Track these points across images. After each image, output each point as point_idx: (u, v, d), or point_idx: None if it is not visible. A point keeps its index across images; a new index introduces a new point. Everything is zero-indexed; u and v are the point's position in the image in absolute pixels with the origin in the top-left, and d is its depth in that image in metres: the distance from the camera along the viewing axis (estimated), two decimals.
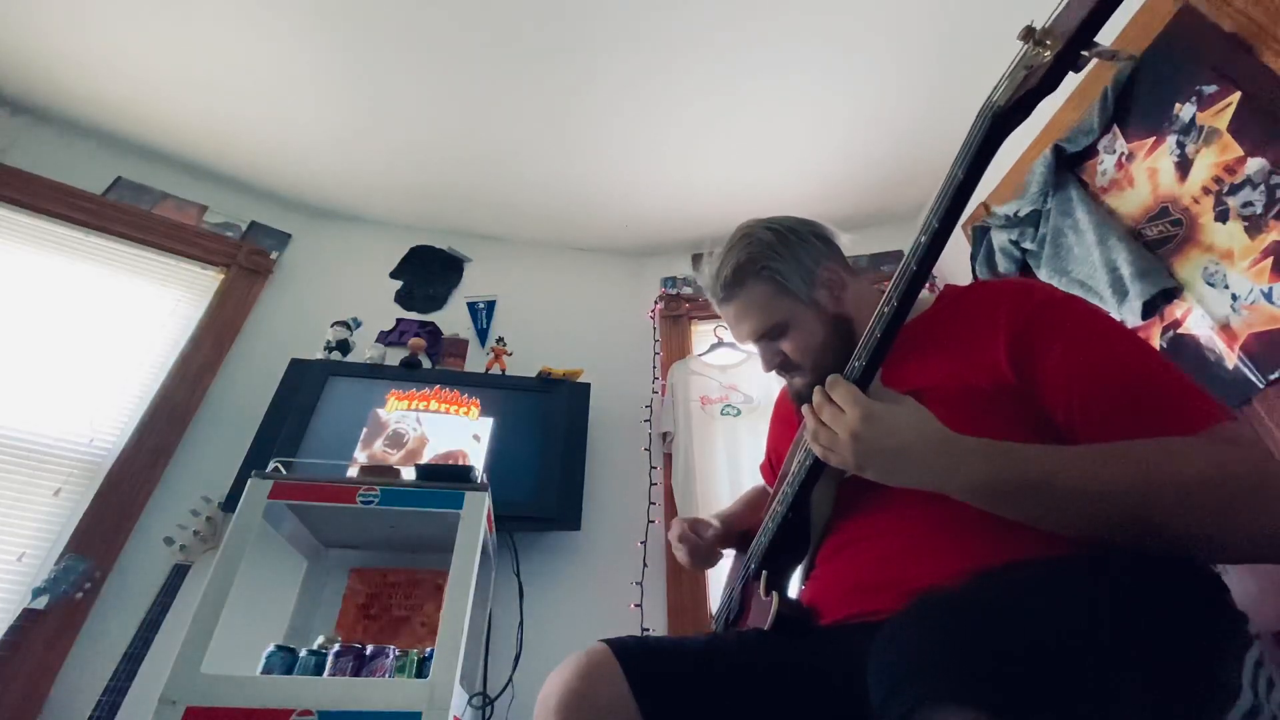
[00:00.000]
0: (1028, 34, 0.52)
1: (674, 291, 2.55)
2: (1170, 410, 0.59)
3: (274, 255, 2.34)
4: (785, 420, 1.04)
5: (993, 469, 0.59)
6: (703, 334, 2.46)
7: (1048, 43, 0.51)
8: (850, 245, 0.92)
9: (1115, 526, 0.55)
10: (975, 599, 0.49)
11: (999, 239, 1.81)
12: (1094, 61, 0.51)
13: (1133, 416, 0.60)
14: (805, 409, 0.71)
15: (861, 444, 0.63)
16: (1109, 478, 0.55)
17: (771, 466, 1.09)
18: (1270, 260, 1.12)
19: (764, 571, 0.85)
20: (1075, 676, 0.40)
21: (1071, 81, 1.62)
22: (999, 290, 0.77)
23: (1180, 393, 0.61)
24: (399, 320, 2.36)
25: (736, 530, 1.05)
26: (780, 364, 0.88)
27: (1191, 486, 0.53)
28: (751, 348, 0.91)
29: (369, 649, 1.36)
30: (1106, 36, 1.60)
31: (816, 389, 0.69)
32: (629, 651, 0.69)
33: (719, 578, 1.04)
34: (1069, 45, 0.49)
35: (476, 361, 2.29)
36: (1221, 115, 1.22)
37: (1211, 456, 0.54)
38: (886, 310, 0.67)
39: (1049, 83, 0.52)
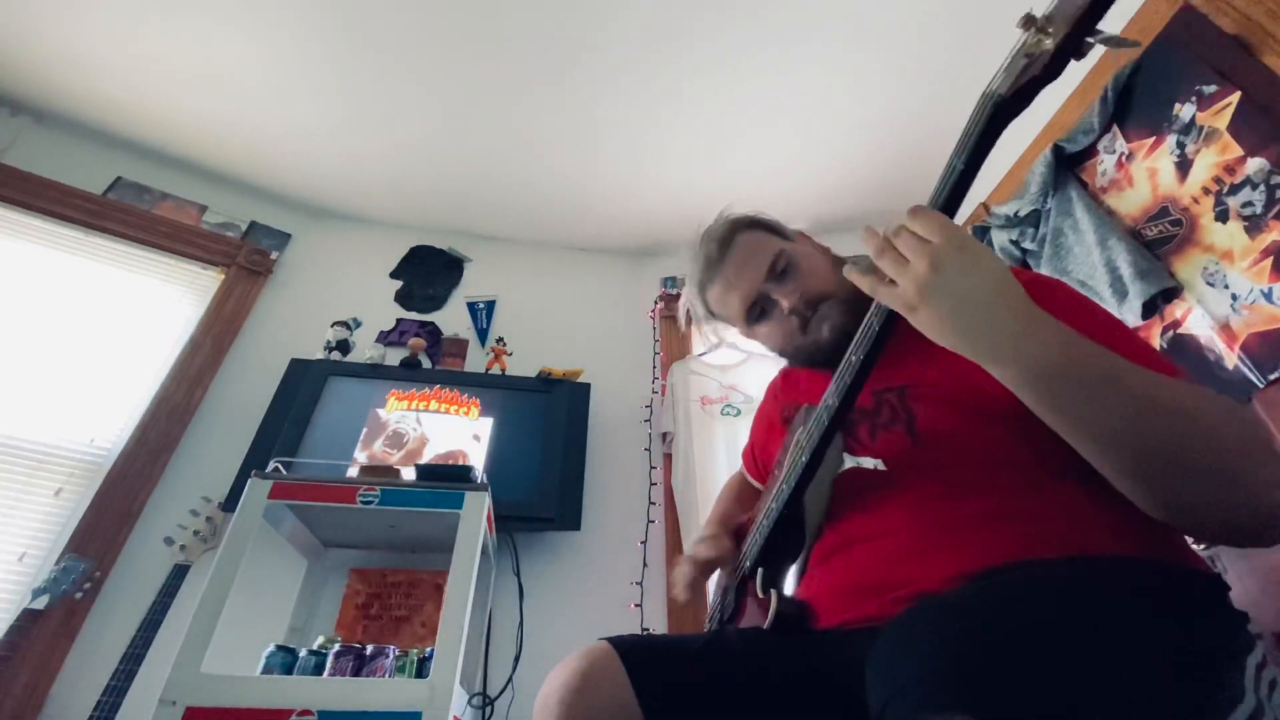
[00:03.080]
0: (1028, 22, 0.52)
1: (674, 291, 2.54)
2: None
3: (274, 255, 2.33)
4: (773, 426, 1.01)
5: (1067, 349, 0.53)
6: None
7: (1049, 30, 0.50)
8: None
9: (1155, 445, 0.53)
10: (974, 604, 0.48)
11: (999, 239, 1.81)
12: (1097, 48, 0.50)
13: None
14: (864, 232, 0.62)
15: (941, 276, 0.54)
16: (1167, 395, 0.53)
17: (754, 456, 1.09)
18: (1270, 260, 1.12)
19: (759, 569, 0.85)
20: (1077, 681, 0.40)
21: (1071, 81, 1.62)
22: None
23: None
24: (399, 320, 2.36)
25: (731, 532, 1.04)
26: (805, 302, 0.83)
27: (1220, 421, 0.53)
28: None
29: (369, 649, 1.36)
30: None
31: (905, 219, 0.58)
32: (630, 649, 0.68)
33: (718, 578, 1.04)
34: (1072, 32, 0.48)
35: (476, 361, 2.29)
36: (1221, 115, 1.22)
37: (1227, 404, 0.55)
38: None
39: (1051, 71, 0.51)
